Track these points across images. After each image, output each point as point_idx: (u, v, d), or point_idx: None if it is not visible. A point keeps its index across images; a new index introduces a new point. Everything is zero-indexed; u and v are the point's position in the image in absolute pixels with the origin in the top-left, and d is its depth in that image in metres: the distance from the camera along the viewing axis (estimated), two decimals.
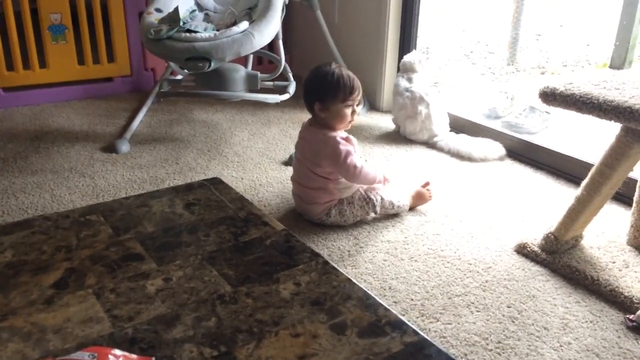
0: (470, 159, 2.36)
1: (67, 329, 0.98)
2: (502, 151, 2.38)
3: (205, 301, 1.05)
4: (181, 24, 2.25)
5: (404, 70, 2.59)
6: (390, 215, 1.90)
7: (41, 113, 2.82)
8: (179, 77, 2.75)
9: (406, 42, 2.82)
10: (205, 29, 2.32)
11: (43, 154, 2.34)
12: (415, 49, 2.80)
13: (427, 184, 1.99)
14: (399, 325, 1.00)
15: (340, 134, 1.80)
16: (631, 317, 1.40)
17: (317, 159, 1.75)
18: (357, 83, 1.78)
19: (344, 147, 1.74)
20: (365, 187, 1.85)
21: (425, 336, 1.00)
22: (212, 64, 2.18)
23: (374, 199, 1.83)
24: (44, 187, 2.05)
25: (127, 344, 0.94)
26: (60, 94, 2.99)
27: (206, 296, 1.06)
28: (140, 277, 1.11)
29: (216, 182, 1.53)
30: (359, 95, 1.79)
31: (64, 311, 1.02)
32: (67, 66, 2.95)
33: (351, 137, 1.83)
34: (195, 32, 2.22)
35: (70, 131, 2.60)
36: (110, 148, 2.40)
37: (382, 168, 1.94)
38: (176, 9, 2.30)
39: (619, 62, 3.62)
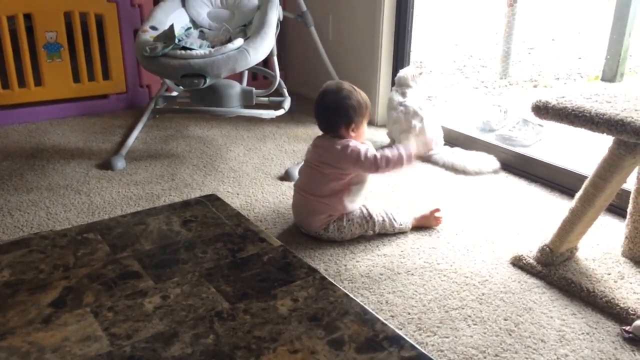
0: (465, 172, 2.38)
1: (66, 347, 0.98)
2: (496, 164, 2.40)
3: (203, 318, 1.05)
4: (176, 41, 2.27)
5: (398, 84, 2.61)
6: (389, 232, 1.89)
7: (37, 131, 2.83)
8: (174, 93, 2.77)
9: (400, 57, 2.85)
10: (200, 46, 2.34)
11: (38, 172, 2.34)
12: (409, 64, 2.83)
13: (436, 210, 1.92)
14: (396, 340, 1.01)
15: None
16: (627, 328, 1.41)
17: (338, 163, 1.77)
18: None
19: (362, 145, 1.79)
20: (368, 205, 1.85)
21: (423, 350, 1.00)
22: (208, 81, 2.20)
23: (376, 218, 1.83)
24: (39, 204, 2.05)
25: None
26: (55, 112, 3.00)
27: (204, 313, 1.06)
28: (138, 295, 1.11)
29: (213, 199, 1.54)
30: None
31: (62, 330, 1.02)
32: (62, 84, 2.96)
33: (367, 142, 1.88)
34: (191, 49, 2.24)
35: (66, 148, 2.61)
36: (106, 165, 2.41)
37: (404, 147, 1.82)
38: (171, 27, 2.32)
39: (610, 74, 3.66)
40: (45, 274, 1.16)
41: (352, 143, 1.78)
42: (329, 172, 1.78)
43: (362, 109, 1.81)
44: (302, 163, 1.94)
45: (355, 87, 1.84)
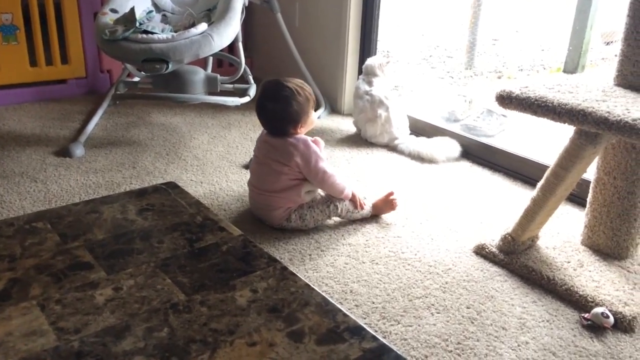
0: (430, 161, 2.38)
1: (9, 343, 0.93)
2: (458, 148, 2.41)
3: (158, 311, 1.01)
4: (137, 24, 2.20)
5: (365, 73, 2.60)
6: (352, 218, 1.88)
7: None
8: (136, 79, 2.69)
9: (366, 46, 2.83)
10: (162, 30, 2.27)
11: None
12: (376, 53, 2.81)
13: (390, 194, 1.91)
14: (357, 331, 0.99)
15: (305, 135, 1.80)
16: (586, 315, 1.42)
17: (287, 160, 1.73)
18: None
19: (315, 150, 1.75)
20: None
21: (385, 341, 0.99)
22: (170, 66, 2.14)
23: (337, 203, 1.81)
24: None
25: (73, 358, 0.90)
26: (11, 97, 2.89)
27: (158, 305, 1.02)
28: (89, 286, 1.06)
29: (171, 187, 1.49)
30: None
31: (5, 324, 0.97)
32: (18, 68, 2.84)
33: (318, 138, 1.84)
34: (152, 33, 2.18)
35: (22, 135, 2.51)
36: (64, 152, 2.32)
37: (361, 191, 1.88)
38: (132, 10, 2.25)
39: (572, 66, 3.72)
40: None
41: (304, 144, 1.74)
42: (281, 168, 1.74)
43: (305, 108, 1.75)
44: (252, 158, 1.89)
45: (293, 82, 1.76)
